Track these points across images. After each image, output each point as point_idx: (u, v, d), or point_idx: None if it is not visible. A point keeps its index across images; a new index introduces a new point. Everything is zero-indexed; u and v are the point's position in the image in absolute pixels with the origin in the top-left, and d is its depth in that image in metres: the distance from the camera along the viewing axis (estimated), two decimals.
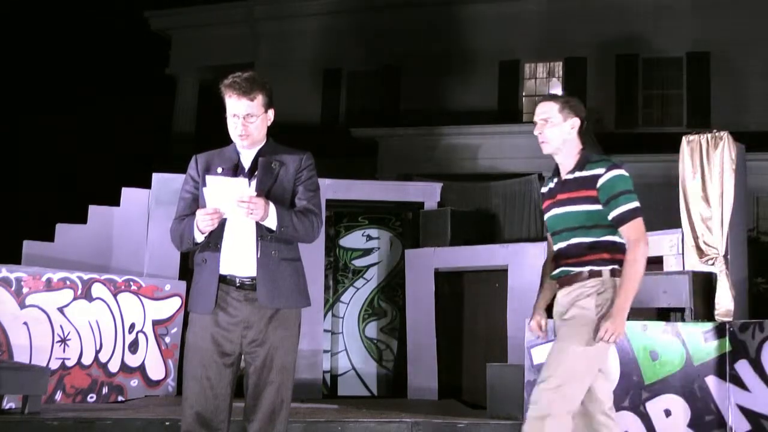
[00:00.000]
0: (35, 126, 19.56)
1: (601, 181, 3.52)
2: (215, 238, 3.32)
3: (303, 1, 16.99)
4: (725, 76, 14.85)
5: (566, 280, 3.60)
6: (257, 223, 3.26)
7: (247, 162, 3.40)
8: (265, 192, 3.30)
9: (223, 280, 3.31)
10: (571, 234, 3.58)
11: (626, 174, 3.57)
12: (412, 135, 13.53)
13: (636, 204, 3.53)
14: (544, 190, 3.80)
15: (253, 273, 3.28)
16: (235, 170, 3.38)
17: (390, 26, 16.40)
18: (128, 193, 7.54)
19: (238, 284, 3.30)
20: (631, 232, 3.50)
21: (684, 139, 6.06)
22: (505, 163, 12.06)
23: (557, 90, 16.12)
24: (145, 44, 19.00)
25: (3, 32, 18.56)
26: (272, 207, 3.20)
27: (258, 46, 17.40)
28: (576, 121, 3.65)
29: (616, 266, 3.51)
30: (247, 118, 3.33)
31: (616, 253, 3.53)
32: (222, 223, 3.30)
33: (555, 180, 3.72)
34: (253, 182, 3.34)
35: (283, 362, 3.31)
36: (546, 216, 3.74)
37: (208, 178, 3.20)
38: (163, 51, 18.42)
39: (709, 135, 5.95)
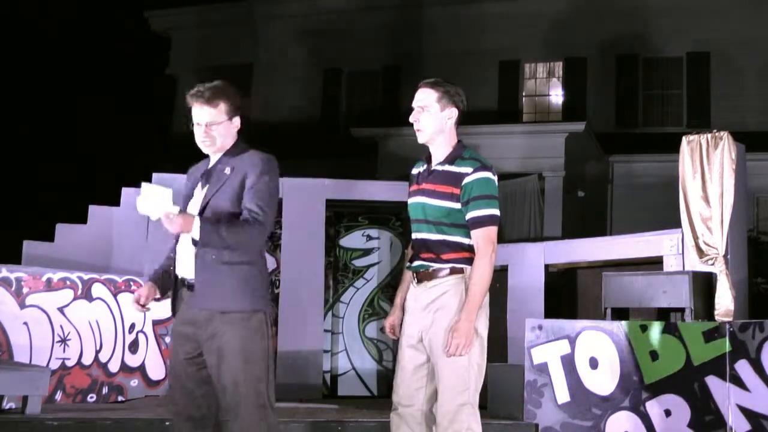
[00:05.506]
0: (35, 126, 19.55)
1: (466, 180, 3.44)
2: (174, 245, 3.50)
3: (303, 1, 17.00)
4: (725, 76, 14.86)
5: (425, 275, 3.52)
6: None
7: (210, 166, 3.52)
8: (209, 198, 3.40)
9: (179, 282, 3.45)
10: (431, 227, 3.51)
11: (493, 178, 3.48)
12: (412, 135, 13.45)
13: (495, 211, 3.44)
14: (413, 171, 3.71)
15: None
16: (202, 177, 3.51)
17: (390, 26, 16.40)
18: (128, 193, 7.53)
19: (187, 286, 3.41)
20: (481, 238, 3.42)
21: (684, 139, 6.05)
22: (505, 163, 12.05)
23: (557, 90, 16.13)
24: (145, 44, 19.01)
25: (3, 33, 18.55)
26: (196, 221, 3.26)
27: (258, 46, 17.41)
28: (454, 111, 3.55)
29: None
30: (209, 127, 3.42)
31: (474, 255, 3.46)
32: None
33: (424, 167, 3.64)
34: (204, 189, 3.45)
35: (237, 360, 3.33)
36: (409, 201, 3.65)
37: (143, 185, 3.31)
38: (163, 51, 18.43)
39: (709, 135, 5.94)
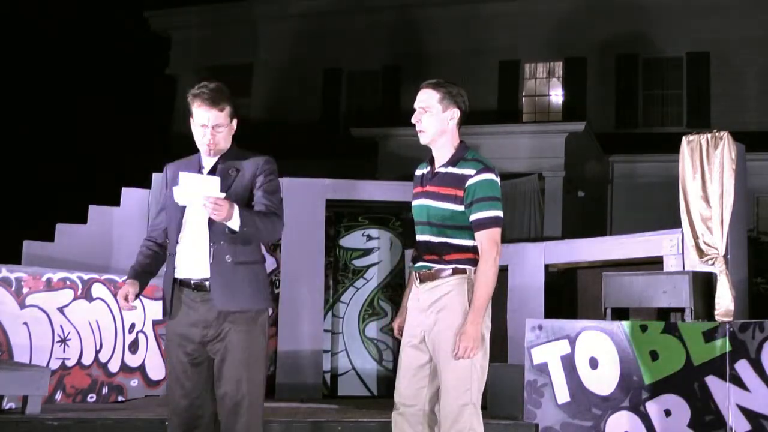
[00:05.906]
0: (35, 126, 19.55)
1: (469, 182, 3.44)
2: (171, 245, 3.48)
3: (303, 1, 17.00)
4: (725, 76, 14.85)
5: (427, 276, 3.53)
6: (210, 230, 3.35)
7: (207, 169, 3.51)
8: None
9: (180, 283, 3.43)
10: (435, 229, 3.51)
11: (496, 179, 3.49)
12: (412, 135, 13.42)
13: (498, 213, 3.45)
14: (417, 173, 3.70)
15: (208, 275, 3.38)
16: None
17: (390, 26, 16.40)
18: (128, 193, 7.54)
19: (193, 287, 3.40)
20: (485, 240, 3.42)
21: (684, 139, 6.06)
22: (505, 163, 12.04)
23: (557, 90, 16.13)
24: (145, 44, 19.00)
25: (3, 33, 18.55)
26: (236, 209, 3.26)
27: (258, 46, 17.40)
28: (456, 112, 3.55)
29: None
30: (215, 129, 3.43)
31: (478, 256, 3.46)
32: (176, 229, 3.44)
33: (428, 168, 3.63)
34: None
35: (242, 357, 3.37)
36: (413, 203, 3.65)
37: (181, 174, 3.29)
38: (163, 51, 18.42)
39: (709, 135, 5.95)
